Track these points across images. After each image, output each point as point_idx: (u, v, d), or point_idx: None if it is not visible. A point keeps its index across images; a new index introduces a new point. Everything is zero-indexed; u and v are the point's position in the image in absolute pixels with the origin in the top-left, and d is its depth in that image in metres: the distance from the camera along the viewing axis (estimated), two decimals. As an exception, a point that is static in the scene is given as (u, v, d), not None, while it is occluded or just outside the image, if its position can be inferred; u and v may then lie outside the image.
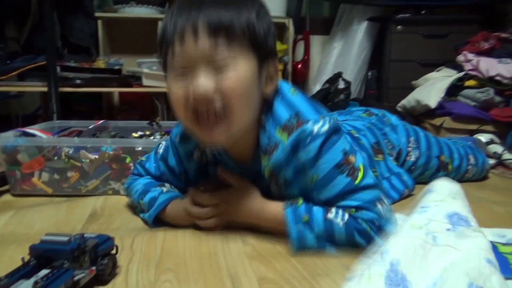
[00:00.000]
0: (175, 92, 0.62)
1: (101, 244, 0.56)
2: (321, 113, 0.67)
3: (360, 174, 0.65)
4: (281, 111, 0.66)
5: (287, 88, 0.69)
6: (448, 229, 0.52)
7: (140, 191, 0.79)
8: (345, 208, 0.64)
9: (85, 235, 0.55)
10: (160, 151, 0.83)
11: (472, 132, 1.54)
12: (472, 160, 1.10)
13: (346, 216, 0.63)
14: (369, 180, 0.65)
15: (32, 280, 0.48)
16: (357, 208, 0.63)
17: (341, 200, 0.64)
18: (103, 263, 0.54)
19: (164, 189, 0.79)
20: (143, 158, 0.87)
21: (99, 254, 0.55)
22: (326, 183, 0.64)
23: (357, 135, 0.90)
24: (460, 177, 1.09)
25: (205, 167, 0.78)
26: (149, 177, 0.84)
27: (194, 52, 0.59)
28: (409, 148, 1.01)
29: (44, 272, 0.50)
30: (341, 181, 0.64)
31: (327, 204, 0.66)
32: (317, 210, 0.65)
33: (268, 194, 0.72)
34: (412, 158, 1.01)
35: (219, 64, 0.59)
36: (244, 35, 0.60)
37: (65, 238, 0.53)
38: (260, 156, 0.69)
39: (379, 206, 0.64)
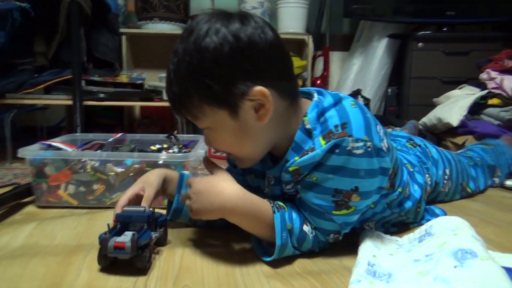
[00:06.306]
0: None
1: (159, 217, 0.74)
2: (369, 136, 0.65)
3: (344, 212, 0.67)
4: (333, 119, 0.65)
5: (348, 100, 0.69)
6: (455, 266, 0.52)
7: None
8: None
9: (151, 209, 0.72)
10: None
11: (496, 152, 1.50)
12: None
13: (314, 231, 0.70)
14: (351, 220, 0.69)
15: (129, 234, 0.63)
16: (316, 229, 0.70)
17: (310, 213, 0.69)
18: (161, 230, 0.74)
19: None
20: None
21: (158, 224, 0.74)
22: (317, 190, 0.66)
23: (411, 170, 0.90)
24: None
25: None
26: None
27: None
28: (445, 181, 1.04)
29: (129, 233, 0.63)
30: (326, 199, 0.66)
31: (300, 202, 0.70)
32: (296, 219, 0.68)
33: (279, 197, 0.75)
34: (446, 189, 1.05)
35: (203, 127, 0.68)
36: (198, 100, 0.63)
37: (142, 208, 0.70)
38: (290, 153, 0.69)
39: (331, 235, 0.70)
